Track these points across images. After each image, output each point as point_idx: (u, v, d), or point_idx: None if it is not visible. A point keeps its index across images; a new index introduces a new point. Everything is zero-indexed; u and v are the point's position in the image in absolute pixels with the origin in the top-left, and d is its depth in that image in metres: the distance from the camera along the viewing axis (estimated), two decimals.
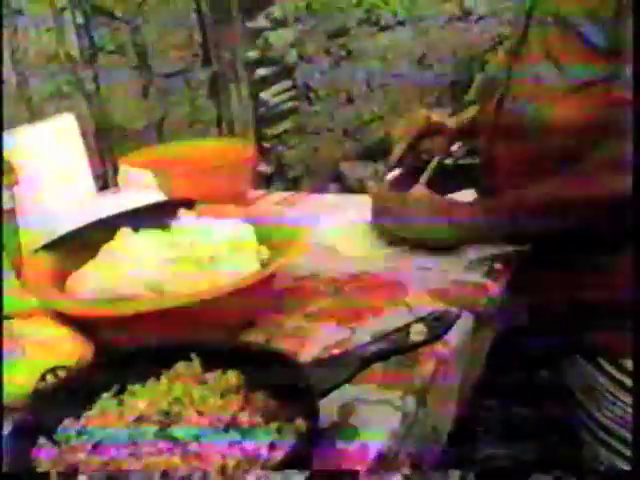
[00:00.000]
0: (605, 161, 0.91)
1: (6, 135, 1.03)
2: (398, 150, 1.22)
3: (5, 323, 0.80)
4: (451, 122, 1.25)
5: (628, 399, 1.01)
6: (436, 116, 1.24)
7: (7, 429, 0.65)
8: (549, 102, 0.96)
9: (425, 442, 0.76)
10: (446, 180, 1.20)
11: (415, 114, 1.25)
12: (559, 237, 1.00)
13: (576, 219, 0.95)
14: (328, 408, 0.67)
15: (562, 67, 0.95)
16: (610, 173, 0.90)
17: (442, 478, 0.95)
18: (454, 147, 1.49)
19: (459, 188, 1.18)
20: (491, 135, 1.08)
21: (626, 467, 1.03)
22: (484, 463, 1.25)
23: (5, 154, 0.98)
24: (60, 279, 0.88)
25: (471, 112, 1.28)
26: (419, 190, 1.07)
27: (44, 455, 0.62)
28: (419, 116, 1.24)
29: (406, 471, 0.70)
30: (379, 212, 1.06)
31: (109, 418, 0.65)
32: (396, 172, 1.28)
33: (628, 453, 1.03)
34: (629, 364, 1.00)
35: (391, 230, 1.04)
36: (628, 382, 1.01)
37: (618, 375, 1.02)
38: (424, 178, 1.24)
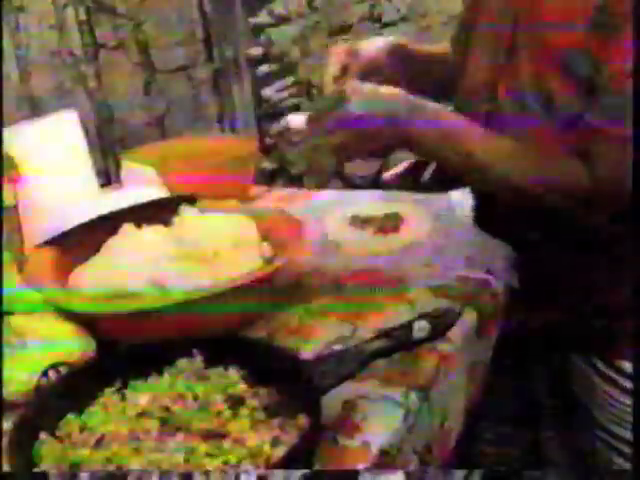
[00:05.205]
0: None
1: (8, 131, 1.03)
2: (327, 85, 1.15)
3: (7, 319, 0.80)
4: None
5: (623, 399, 1.01)
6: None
7: (9, 425, 0.65)
8: (536, 135, 0.94)
9: (432, 439, 0.76)
10: (450, 177, 1.19)
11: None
12: (557, 237, 0.99)
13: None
14: (330, 404, 0.67)
15: (552, 101, 0.91)
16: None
17: (445, 477, 0.94)
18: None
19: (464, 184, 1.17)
20: None
21: (626, 466, 1.03)
22: (479, 458, 1.25)
23: (7, 150, 0.98)
24: (63, 275, 0.87)
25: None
26: None
27: (46, 451, 0.62)
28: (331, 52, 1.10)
29: (412, 468, 0.70)
30: None
31: (111, 414, 0.66)
32: (400, 167, 1.28)
33: (625, 449, 1.03)
34: (624, 365, 1.00)
35: None
36: (622, 382, 1.01)
37: (614, 376, 1.02)
38: (428, 173, 1.24)
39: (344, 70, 1.06)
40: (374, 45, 1.10)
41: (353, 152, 0.96)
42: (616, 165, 0.86)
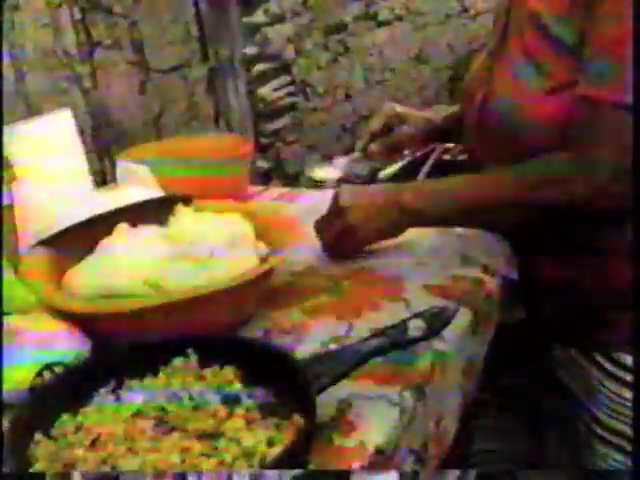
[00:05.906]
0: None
1: (3, 131, 1.02)
2: (360, 142, 1.22)
3: (3, 319, 0.80)
4: (418, 115, 1.24)
5: (623, 392, 1.01)
6: (402, 108, 1.23)
7: (4, 425, 0.65)
8: (530, 103, 0.95)
9: (429, 438, 0.76)
10: (443, 176, 1.20)
11: (383, 107, 1.24)
12: (552, 231, 1.00)
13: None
14: (326, 404, 0.67)
15: (539, 67, 0.94)
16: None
17: (440, 477, 0.95)
18: (451, 144, 1.49)
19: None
20: (476, 134, 1.08)
21: (624, 460, 1.04)
22: (476, 457, 1.26)
23: (2, 150, 0.97)
24: (57, 275, 0.87)
25: (446, 110, 1.27)
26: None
27: (41, 451, 0.62)
28: (386, 108, 1.23)
29: (408, 467, 0.70)
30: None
31: (106, 414, 0.65)
32: (394, 168, 1.28)
33: (624, 444, 1.03)
34: (623, 358, 1.00)
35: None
36: (621, 375, 1.01)
37: (612, 369, 1.02)
38: (422, 174, 1.24)
39: (385, 129, 1.12)
40: (423, 118, 1.21)
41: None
42: (611, 132, 0.87)
